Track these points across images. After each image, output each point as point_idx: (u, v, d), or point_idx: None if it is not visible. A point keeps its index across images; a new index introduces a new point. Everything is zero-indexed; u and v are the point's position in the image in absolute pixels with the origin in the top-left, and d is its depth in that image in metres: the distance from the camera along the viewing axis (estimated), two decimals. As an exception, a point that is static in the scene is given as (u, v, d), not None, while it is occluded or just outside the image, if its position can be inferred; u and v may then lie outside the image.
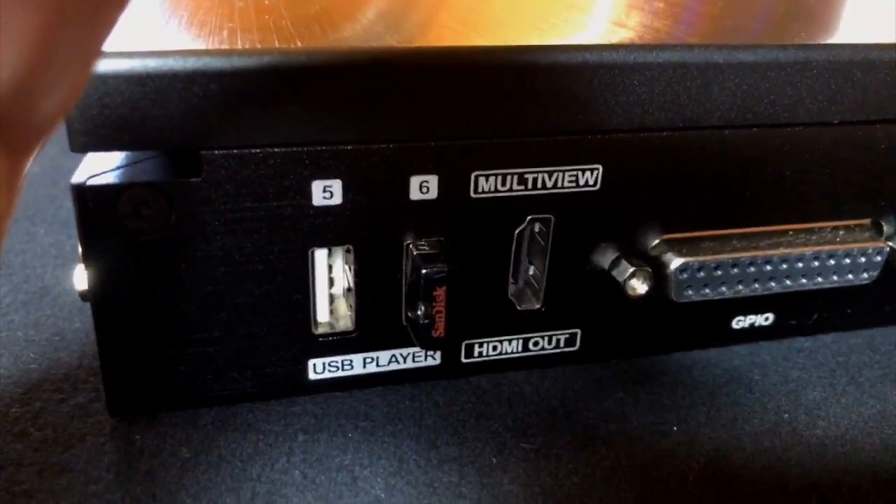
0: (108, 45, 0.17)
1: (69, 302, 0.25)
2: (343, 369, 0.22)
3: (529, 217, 0.21)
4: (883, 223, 0.24)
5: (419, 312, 0.20)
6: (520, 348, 0.23)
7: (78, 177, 0.18)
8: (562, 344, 0.23)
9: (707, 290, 0.22)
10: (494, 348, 0.23)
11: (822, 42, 0.21)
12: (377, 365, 0.22)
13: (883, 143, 0.22)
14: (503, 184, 0.20)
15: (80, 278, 0.19)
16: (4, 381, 0.22)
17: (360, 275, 0.20)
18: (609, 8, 0.26)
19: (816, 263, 0.23)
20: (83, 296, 0.19)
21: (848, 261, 0.23)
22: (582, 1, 0.27)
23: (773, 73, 0.20)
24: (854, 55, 0.21)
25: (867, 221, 0.24)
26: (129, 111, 0.17)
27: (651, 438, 0.21)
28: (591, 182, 0.20)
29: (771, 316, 0.25)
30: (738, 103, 0.20)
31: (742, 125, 0.21)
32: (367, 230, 0.20)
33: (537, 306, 0.22)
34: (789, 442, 0.21)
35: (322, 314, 0.21)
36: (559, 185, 0.20)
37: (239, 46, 0.18)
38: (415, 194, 0.19)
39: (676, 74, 0.19)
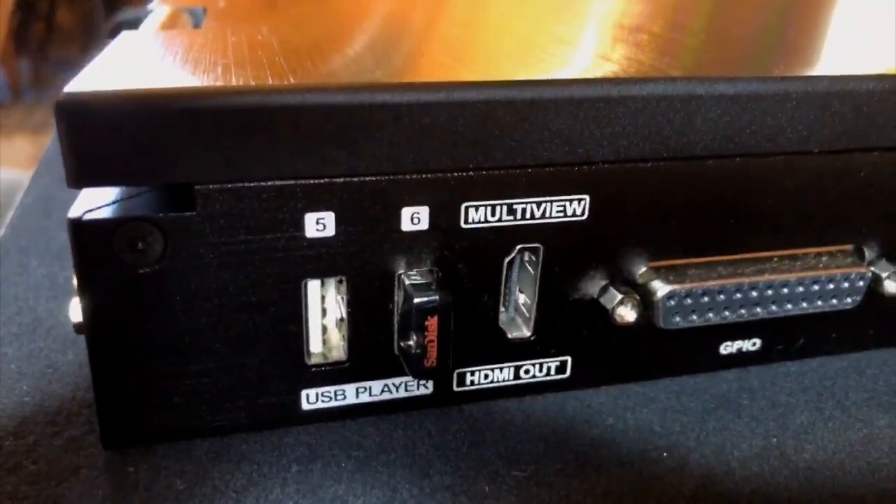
0: (105, 82, 0.18)
1: (62, 334, 0.26)
2: (336, 399, 0.22)
3: (519, 247, 0.21)
4: (865, 248, 0.24)
5: (411, 342, 0.20)
6: (511, 376, 0.23)
7: (74, 211, 0.18)
8: (552, 371, 0.23)
9: (694, 317, 0.23)
10: (486, 377, 0.23)
11: (801, 73, 0.22)
12: (370, 394, 0.22)
13: (862, 170, 0.23)
14: (493, 214, 0.20)
15: (76, 311, 0.19)
16: (-2, 415, 0.22)
17: (352, 305, 0.20)
18: (594, 41, 0.26)
19: (801, 289, 0.23)
20: (78, 328, 0.19)
21: (832, 286, 0.24)
22: (568, 35, 0.27)
23: (753, 105, 0.21)
24: (832, 86, 0.21)
25: (849, 247, 0.24)
26: (125, 147, 0.17)
27: (641, 464, 0.21)
28: (578, 212, 0.21)
29: (758, 341, 0.25)
30: (721, 134, 0.21)
31: (725, 155, 0.21)
32: (360, 261, 0.20)
33: (528, 334, 0.22)
34: (777, 466, 0.21)
35: (315, 344, 0.21)
36: (547, 215, 0.21)
37: (233, 83, 0.18)
38: (406, 225, 0.20)
39: (660, 106, 0.20)
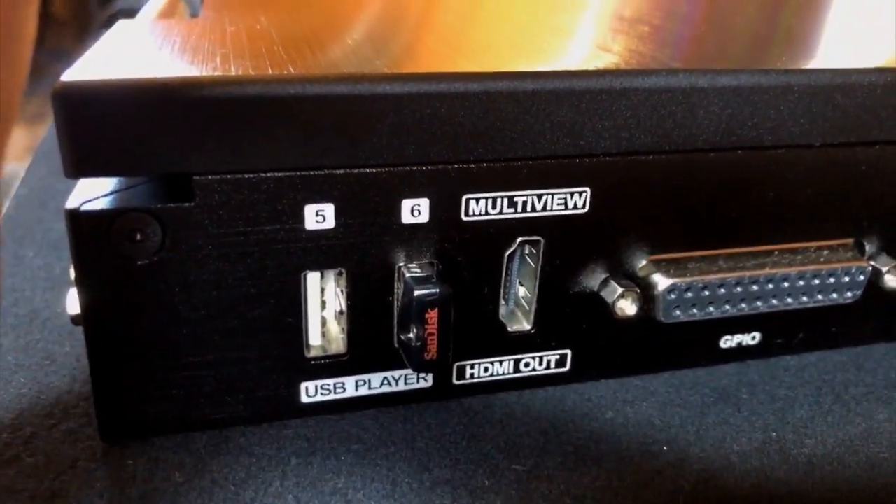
0: (102, 71, 0.17)
1: (59, 325, 0.25)
2: (335, 392, 0.22)
3: (519, 239, 0.21)
4: (865, 242, 0.24)
5: (411, 335, 0.20)
6: (511, 370, 0.23)
7: (72, 202, 0.18)
8: (552, 365, 0.23)
9: (695, 311, 0.22)
10: (486, 370, 0.23)
11: (803, 66, 0.22)
12: (369, 387, 0.22)
13: (863, 164, 0.23)
14: (493, 207, 0.20)
15: (73, 302, 0.19)
16: (-6, 407, 0.22)
17: (352, 298, 0.20)
18: (595, 32, 0.26)
19: (801, 283, 0.23)
20: (75, 320, 0.19)
21: (832, 280, 0.24)
22: (568, 26, 0.27)
23: (755, 97, 0.21)
24: (834, 79, 0.21)
25: (850, 241, 0.24)
26: (123, 137, 0.17)
27: (641, 458, 0.21)
28: (579, 205, 0.21)
29: (758, 335, 0.25)
30: (723, 126, 0.21)
31: (726, 148, 0.21)
32: (360, 253, 0.20)
33: (528, 327, 0.22)
34: (777, 461, 0.21)
35: (314, 337, 0.21)
36: (548, 207, 0.21)
37: (232, 73, 0.18)
38: (406, 217, 0.20)
39: (662, 99, 0.20)
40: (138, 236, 0.18)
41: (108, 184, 0.19)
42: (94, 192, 0.18)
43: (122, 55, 0.20)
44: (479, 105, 0.19)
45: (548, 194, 0.20)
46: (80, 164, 0.17)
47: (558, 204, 0.21)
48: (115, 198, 0.18)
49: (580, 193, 0.21)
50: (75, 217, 0.18)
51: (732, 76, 0.20)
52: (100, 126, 0.16)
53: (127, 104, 0.17)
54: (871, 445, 0.22)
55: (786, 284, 0.23)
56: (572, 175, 0.20)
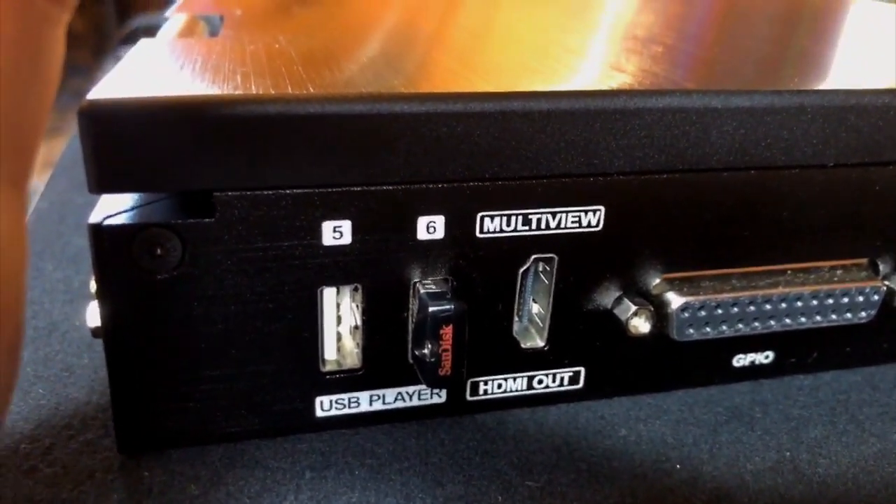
0: (127, 90, 0.18)
1: (78, 338, 0.26)
2: (350, 406, 0.22)
3: (533, 257, 0.21)
4: (879, 262, 0.24)
5: (426, 350, 0.20)
6: (524, 386, 0.23)
7: (94, 217, 0.18)
8: (566, 382, 0.23)
9: (708, 329, 0.23)
10: (499, 386, 0.23)
11: (816, 87, 0.22)
12: (383, 402, 0.22)
13: (877, 184, 0.23)
14: (508, 224, 0.20)
15: (93, 315, 0.19)
16: (14, 418, 0.22)
17: (367, 313, 0.21)
18: (609, 52, 0.27)
19: (815, 302, 0.23)
20: (95, 332, 0.19)
21: (846, 300, 0.24)
22: (582, 45, 0.27)
23: (768, 118, 0.21)
24: (847, 100, 0.21)
25: (864, 261, 0.24)
26: (147, 154, 0.17)
27: (654, 476, 0.21)
28: (593, 223, 0.21)
29: (771, 354, 0.25)
30: (736, 146, 0.21)
31: (740, 168, 0.21)
32: (376, 269, 0.20)
33: (541, 344, 0.23)
34: (791, 480, 0.21)
35: (330, 352, 0.21)
36: (562, 225, 0.21)
37: (253, 91, 0.18)
38: (422, 234, 0.20)
39: (676, 119, 0.20)
40: (159, 251, 0.18)
41: (129, 199, 0.19)
42: (115, 207, 0.19)
43: (146, 74, 0.20)
44: (495, 124, 0.19)
45: (562, 212, 0.21)
46: (104, 180, 0.17)
47: (572, 222, 0.21)
48: (136, 213, 0.19)
49: (594, 212, 0.21)
50: (98, 231, 0.18)
51: (746, 97, 0.20)
52: (124, 143, 0.17)
53: (151, 122, 0.17)
54: (886, 466, 0.22)
55: (799, 304, 0.23)
56: (586, 193, 0.21)
